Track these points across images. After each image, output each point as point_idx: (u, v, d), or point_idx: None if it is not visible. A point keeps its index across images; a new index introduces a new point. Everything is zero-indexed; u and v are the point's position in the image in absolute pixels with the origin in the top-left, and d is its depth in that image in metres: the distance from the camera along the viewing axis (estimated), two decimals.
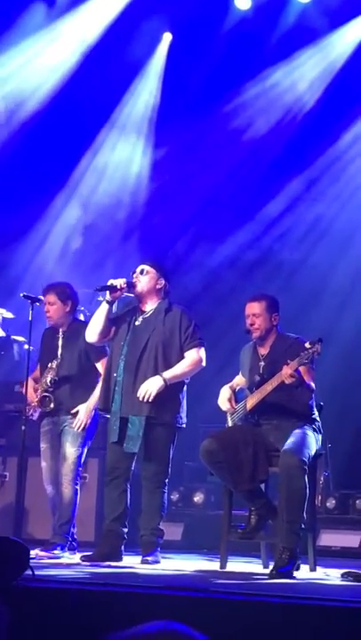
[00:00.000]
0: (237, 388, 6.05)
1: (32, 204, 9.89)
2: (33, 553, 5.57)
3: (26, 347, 7.30)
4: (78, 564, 5.80)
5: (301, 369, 5.49)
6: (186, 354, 6.04)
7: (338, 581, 5.20)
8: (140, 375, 5.96)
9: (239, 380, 6.05)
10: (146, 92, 10.50)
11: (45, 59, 9.84)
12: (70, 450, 6.45)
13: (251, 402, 5.78)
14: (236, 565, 5.99)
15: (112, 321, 6.17)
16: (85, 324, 6.43)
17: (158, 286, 6.18)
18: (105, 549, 5.95)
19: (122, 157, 10.51)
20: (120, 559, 5.92)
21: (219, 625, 3.60)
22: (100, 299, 6.23)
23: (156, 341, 6.01)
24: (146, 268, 6.19)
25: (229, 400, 5.95)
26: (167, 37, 10.26)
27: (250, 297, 5.97)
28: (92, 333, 6.19)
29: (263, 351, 5.88)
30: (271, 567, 5.35)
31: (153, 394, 5.86)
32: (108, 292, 6.10)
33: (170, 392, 5.94)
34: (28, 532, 7.21)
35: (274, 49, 9.79)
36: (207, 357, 6.12)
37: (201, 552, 7.35)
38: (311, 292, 9.42)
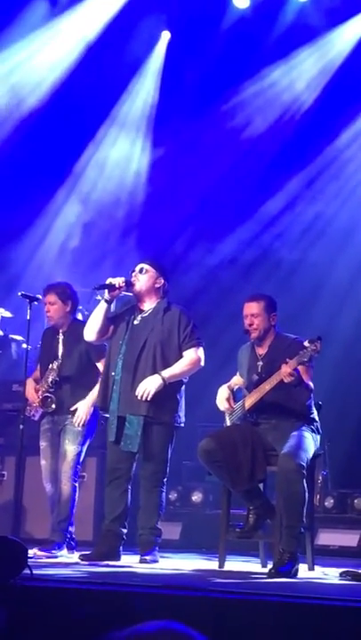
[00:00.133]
0: (235, 387, 6.04)
1: (30, 203, 9.88)
2: (31, 552, 5.57)
3: (24, 346, 7.29)
4: (77, 564, 5.80)
5: (300, 368, 5.48)
6: (184, 353, 6.03)
7: (336, 580, 5.20)
8: (138, 374, 5.96)
9: (237, 380, 6.05)
10: (144, 90, 10.50)
11: (46, 55, 9.84)
12: (70, 448, 6.46)
13: (249, 401, 5.77)
14: (235, 565, 5.98)
15: (110, 320, 6.17)
16: (85, 323, 6.43)
17: (157, 285, 6.18)
18: (103, 549, 5.95)
19: (120, 155, 10.50)
20: (118, 559, 5.92)
21: (217, 624, 3.60)
22: (99, 297, 6.23)
23: (154, 341, 6.01)
24: (145, 266, 6.19)
25: (228, 400, 5.95)
26: (165, 36, 10.26)
27: (248, 297, 5.97)
28: (91, 332, 6.19)
29: (261, 351, 5.87)
30: (270, 566, 5.35)
31: (151, 392, 5.86)
32: (106, 290, 6.09)
33: (168, 391, 5.94)
34: (26, 532, 7.20)
35: (272, 48, 9.79)
36: (206, 357, 6.11)
37: (199, 551, 7.34)
38: (310, 290, 9.42)
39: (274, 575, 5.16)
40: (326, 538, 7.43)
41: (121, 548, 5.99)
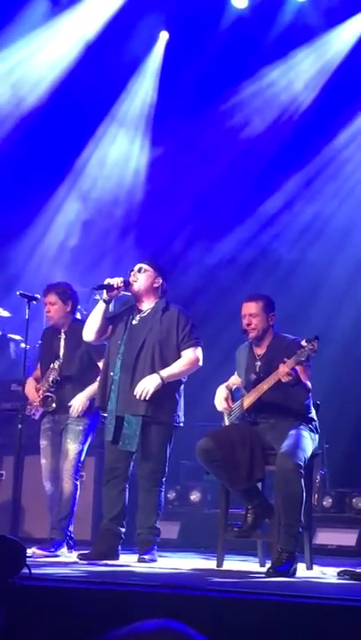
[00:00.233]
0: (234, 387, 6.04)
1: (27, 202, 9.89)
2: (30, 551, 5.58)
3: (23, 345, 7.29)
4: (75, 563, 5.81)
5: (298, 368, 5.49)
6: (183, 353, 6.04)
7: (334, 580, 5.21)
8: (137, 374, 5.96)
9: (235, 380, 6.05)
10: (143, 90, 10.50)
11: (45, 54, 9.84)
12: (71, 446, 6.49)
13: (247, 401, 5.78)
14: (233, 564, 5.99)
15: (109, 320, 6.18)
16: (85, 323, 6.44)
17: (156, 285, 6.18)
18: (102, 548, 5.95)
19: (119, 154, 10.50)
20: (117, 558, 5.93)
21: (215, 623, 3.60)
22: (97, 297, 6.23)
23: (153, 341, 6.01)
24: (144, 266, 6.19)
25: (226, 399, 5.95)
26: (164, 36, 10.26)
27: (246, 297, 5.97)
28: (89, 332, 6.20)
29: (260, 351, 5.87)
30: (268, 566, 5.36)
31: (150, 391, 5.86)
32: (104, 291, 6.10)
33: (167, 391, 5.94)
34: (24, 531, 7.21)
35: (271, 48, 9.79)
36: (204, 356, 6.12)
37: (198, 550, 7.35)
38: (308, 290, 9.42)
39: (272, 574, 5.16)
40: (324, 537, 7.43)
41: (119, 547, 5.99)
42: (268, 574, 5.19)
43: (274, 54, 9.89)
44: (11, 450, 7.14)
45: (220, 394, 5.98)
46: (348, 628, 3.53)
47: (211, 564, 5.92)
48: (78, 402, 6.49)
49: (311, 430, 5.67)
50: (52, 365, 6.62)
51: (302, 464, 5.37)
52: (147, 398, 5.86)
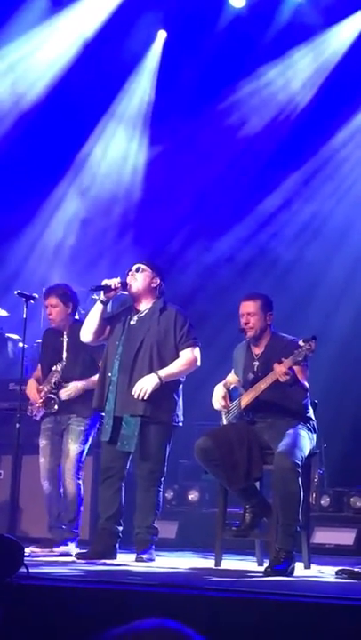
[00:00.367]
0: (231, 386, 6.04)
1: (25, 201, 9.88)
2: (28, 551, 5.58)
3: (20, 345, 7.30)
4: (73, 562, 5.81)
5: (296, 368, 5.49)
6: (181, 353, 6.03)
7: (332, 579, 5.21)
8: (135, 375, 5.96)
9: (232, 378, 6.05)
10: (141, 89, 10.50)
11: (44, 53, 9.84)
12: (73, 446, 6.53)
13: (245, 400, 5.78)
14: (231, 563, 5.99)
15: (107, 320, 6.17)
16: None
17: (153, 285, 6.18)
18: (99, 547, 5.95)
19: (117, 153, 10.51)
20: (114, 557, 5.93)
21: (213, 622, 3.61)
22: (95, 297, 6.23)
23: (151, 341, 6.01)
24: (142, 266, 6.19)
25: (224, 398, 5.95)
26: (162, 35, 10.26)
27: (244, 296, 5.97)
28: (87, 333, 6.20)
29: (258, 350, 5.87)
30: (266, 565, 5.36)
31: (148, 391, 5.86)
32: (102, 291, 6.09)
33: (165, 391, 5.94)
34: (22, 530, 7.21)
35: (268, 47, 9.79)
36: (202, 356, 6.12)
37: (195, 550, 7.35)
38: (306, 289, 9.43)
39: (270, 574, 5.16)
40: (322, 536, 7.43)
41: (117, 545, 5.99)
42: (265, 573, 5.19)
43: (271, 53, 9.89)
44: (9, 449, 7.14)
45: (217, 393, 5.98)
46: (346, 627, 3.53)
47: (209, 563, 5.92)
48: (73, 388, 6.54)
49: (309, 429, 5.67)
50: (54, 368, 6.65)
51: (300, 463, 5.37)
52: (145, 398, 5.86)
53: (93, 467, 7.45)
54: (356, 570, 5.19)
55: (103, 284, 6.08)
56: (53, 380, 6.62)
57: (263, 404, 5.69)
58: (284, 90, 9.99)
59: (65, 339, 6.65)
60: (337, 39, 9.88)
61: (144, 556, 5.86)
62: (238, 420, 5.86)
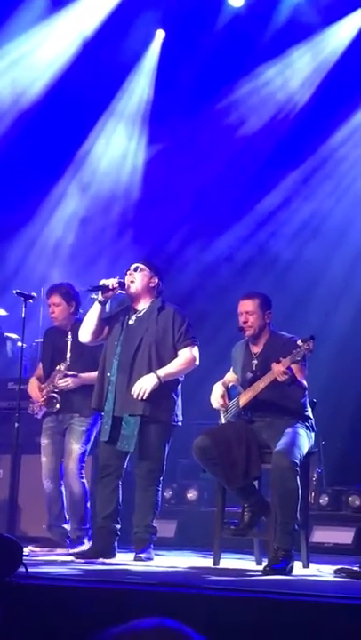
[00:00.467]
0: (230, 385, 6.04)
1: (23, 201, 9.88)
2: (26, 550, 5.58)
3: (19, 344, 7.30)
4: (72, 561, 5.81)
5: (294, 367, 5.49)
6: (179, 352, 6.04)
7: (331, 578, 5.21)
8: (134, 374, 5.96)
9: (231, 377, 6.05)
10: (139, 88, 10.50)
11: (43, 51, 9.84)
12: (75, 447, 6.57)
13: (243, 399, 5.78)
14: (230, 562, 5.99)
15: (105, 320, 6.17)
16: None
17: (152, 284, 6.18)
18: (98, 546, 5.96)
19: (117, 152, 10.51)
20: (113, 555, 5.93)
21: (212, 621, 3.61)
22: (94, 297, 6.24)
23: (149, 340, 6.01)
24: (140, 265, 6.19)
25: (222, 397, 5.95)
26: (160, 34, 10.26)
27: (243, 295, 5.97)
28: (86, 333, 6.20)
29: (256, 349, 5.88)
30: (265, 564, 5.36)
31: (148, 391, 5.86)
32: (100, 291, 6.09)
33: (164, 390, 5.94)
34: (21, 530, 7.21)
35: (267, 46, 9.79)
36: (201, 354, 6.12)
37: (194, 549, 7.35)
38: (305, 288, 9.43)
39: (268, 572, 5.16)
40: (321, 535, 7.44)
41: (115, 543, 5.99)
42: (264, 572, 5.19)
43: (270, 52, 9.90)
44: (8, 448, 7.14)
45: (216, 391, 5.99)
46: (344, 626, 3.53)
47: (207, 562, 5.92)
48: (71, 379, 6.59)
49: (307, 428, 5.67)
50: (58, 367, 6.67)
51: (298, 462, 5.37)
52: (144, 398, 5.86)
53: (92, 466, 7.46)
54: (354, 569, 5.19)
55: (101, 283, 6.07)
56: (57, 380, 6.65)
57: (262, 404, 5.69)
58: (283, 89, 10.00)
59: (69, 339, 6.66)
60: (335, 38, 9.88)
61: (143, 555, 5.86)
62: (237, 418, 5.86)
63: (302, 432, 5.59)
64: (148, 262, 6.27)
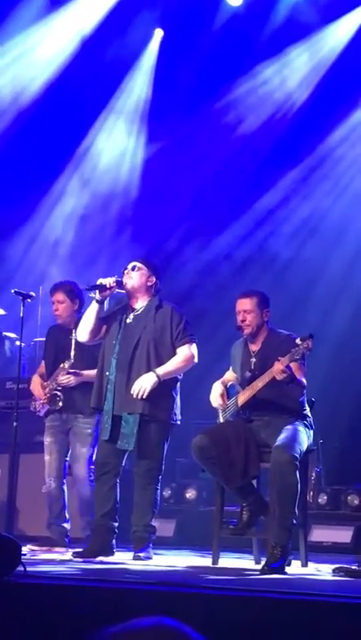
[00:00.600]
0: (229, 384, 6.04)
1: (22, 200, 9.88)
2: (25, 549, 5.58)
3: (18, 343, 7.29)
4: (70, 560, 5.80)
5: (293, 365, 5.49)
6: (178, 350, 6.04)
7: (329, 577, 5.21)
8: (133, 373, 5.95)
9: (230, 376, 6.05)
10: (138, 87, 10.50)
11: (42, 50, 9.84)
12: (83, 450, 6.63)
13: (242, 398, 5.78)
14: (228, 561, 6.00)
15: (103, 319, 6.17)
16: None
17: (149, 283, 6.18)
18: (96, 545, 5.95)
19: (115, 151, 10.50)
20: (112, 553, 5.93)
21: (211, 620, 3.60)
22: (92, 295, 6.24)
23: (147, 339, 6.01)
24: (137, 264, 6.19)
25: (221, 396, 5.95)
26: (159, 33, 10.26)
27: (240, 293, 5.97)
28: (83, 332, 6.20)
29: (254, 348, 5.88)
30: (263, 563, 5.36)
31: (147, 390, 5.86)
32: (97, 290, 6.09)
33: (163, 389, 5.94)
34: (19, 529, 7.21)
35: (265, 45, 9.79)
36: (200, 353, 6.12)
37: (193, 548, 7.35)
38: (304, 287, 9.43)
39: (266, 572, 5.16)
40: (320, 534, 7.44)
41: (114, 542, 5.99)
42: (262, 572, 5.19)
43: (268, 52, 9.89)
44: (6, 448, 7.14)
45: (215, 390, 5.99)
46: (343, 625, 3.53)
47: (206, 561, 5.92)
48: (73, 378, 6.63)
49: (306, 426, 5.67)
50: (61, 365, 6.69)
51: (298, 457, 5.37)
52: (144, 397, 5.86)
53: None
54: (353, 568, 5.19)
55: (98, 282, 6.07)
56: (60, 378, 6.67)
57: (260, 402, 5.69)
58: (281, 88, 9.99)
59: (73, 337, 6.67)
60: (334, 37, 9.88)
61: (141, 555, 5.86)
62: (235, 418, 5.86)
63: (301, 429, 5.59)
64: (145, 261, 6.27)
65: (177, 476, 8.59)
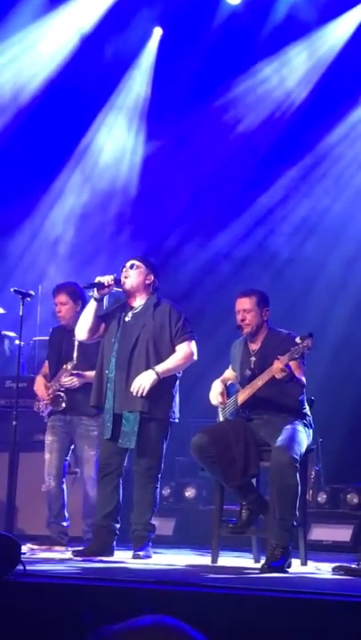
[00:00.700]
0: (229, 382, 6.04)
1: (20, 199, 9.87)
2: (25, 548, 5.58)
3: (17, 342, 7.29)
4: (70, 559, 5.80)
5: (292, 364, 5.49)
6: (177, 347, 6.03)
7: (329, 575, 5.21)
8: (132, 371, 5.95)
9: (229, 374, 6.05)
10: (137, 86, 10.49)
11: (42, 48, 9.83)
12: (90, 453, 6.66)
13: (242, 396, 5.78)
14: (228, 560, 6.00)
15: (102, 318, 6.17)
16: None
17: (147, 281, 6.17)
18: (96, 545, 5.95)
19: (114, 149, 10.49)
20: (112, 554, 5.93)
21: (210, 619, 3.60)
22: (91, 293, 6.24)
23: (146, 337, 6.01)
24: (136, 262, 6.19)
25: (221, 394, 5.95)
26: (158, 32, 10.25)
27: (240, 292, 5.96)
28: (82, 331, 6.19)
29: (254, 346, 5.87)
30: (263, 562, 5.36)
31: (147, 388, 5.85)
32: (95, 289, 6.09)
33: (162, 387, 5.94)
34: (18, 528, 7.21)
35: (264, 44, 9.79)
36: (199, 351, 6.12)
37: (192, 547, 7.35)
38: (304, 285, 9.43)
39: (266, 570, 5.16)
40: (319, 533, 7.44)
41: (114, 543, 5.99)
42: (262, 570, 5.19)
43: (267, 50, 9.89)
44: (5, 446, 7.14)
45: (215, 388, 5.99)
46: (342, 624, 3.53)
47: (206, 560, 5.92)
48: (76, 379, 6.64)
49: (305, 425, 5.67)
50: (65, 366, 6.70)
51: (298, 458, 5.37)
52: (143, 395, 5.85)
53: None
54: (352, 566, 5.19)
55: (96, 281, 6.07)
56: (63, 379, 6.68)
57: (260, 401, 5.69)
58: (280, 87, 9.99)
59: (76, 338, 6.67)
60: (333, 36, 9.87)
61: (141, 553, 5.86)
62: (235, 416, 5.86)
63: (301, 428, 5.59)
64: (143, 259, 6.27)
65: (176, 474, 8.59)
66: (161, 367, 5.94)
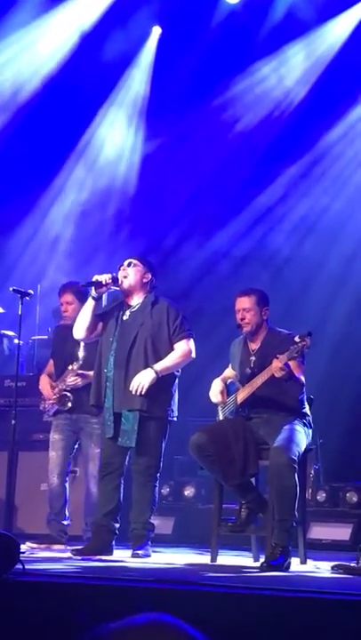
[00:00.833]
0: (229, 381, 6.04)
1: (20, 198, 9.87)
2: (24, 547, 5.58)
3: (16, 341, 7.29)
4: (69, 558, 5.80)
5: (291, 363, 5.48)
6: (175, 346, 6.03)
7: (328, 574, 5.20)
8: (130, 370, 5.95)
9: (229, 373, 6.05)
10: (136, 85, 10.49)
11: (41, 47, 9.84)
12: (95, 451, 6.66)
13: (241, 395, 5.78)
14: (227, 559, 5.99)
15: (99, 316, 6.17)
16: None
17: (145, 280, 6.17)
18: (96, 544, 5.95)
19: (114, 148, 10.49)
20: (111, 554, 5.93)
21: (209, 618, 3.60)
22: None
23: (144, 335, 6.01)
24: (133, 261, 6.19)
25: (221, 393, 5.95)
26: (157, 31, 10.25)
27: (239, 292, 5.96)
28: (80, 330, 6.19)
29: (254, 346, 5.87)
30: (262, 560, 5.36)
31: (145, 386, 5.85)
32: (93, 287, 6.08)
33: (161, 385, 5.94)
34: (18, 527, 7.21)
35: (263, 43, 9.79)
36: (198, 350, 6.11)
37: (192, 545, 7.35)
38: (303, 284, 9.43)
39: (266, 569, 5.16)
40: (318, 532, 7.44)
41: (113, 542, 5.99)
42: (261, 569, 5.19)
43: (266, 49, 9.89)
44: (5, 445, 7.15)
45: (215, 387, 5.99)
46: (341, 622, 3.53)
47: (205, 558, 5.92)
48: (80, 379, 6.67)
49: (305, 425, 5.67)
50: (70, 366, 6.71)
51: (296, 458, 5.37)
52: (142, 393, 5.85)
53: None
54: (352, 565, 5.19)
55: (94, 279, 6.07)
56: (69, 380, 6.69)
57: (259, 400, 5.69)
58: (279, 86, 9.99)
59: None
60: (331, 35, 9.87)
61: (140, 552, 5.86)
62: (234, 415, 5.86)
63: (300, 429, 5.58)
64: (141, 258, 6.27)
65: (175, 473, 8.60)
66: (159, 365, 5.94)
